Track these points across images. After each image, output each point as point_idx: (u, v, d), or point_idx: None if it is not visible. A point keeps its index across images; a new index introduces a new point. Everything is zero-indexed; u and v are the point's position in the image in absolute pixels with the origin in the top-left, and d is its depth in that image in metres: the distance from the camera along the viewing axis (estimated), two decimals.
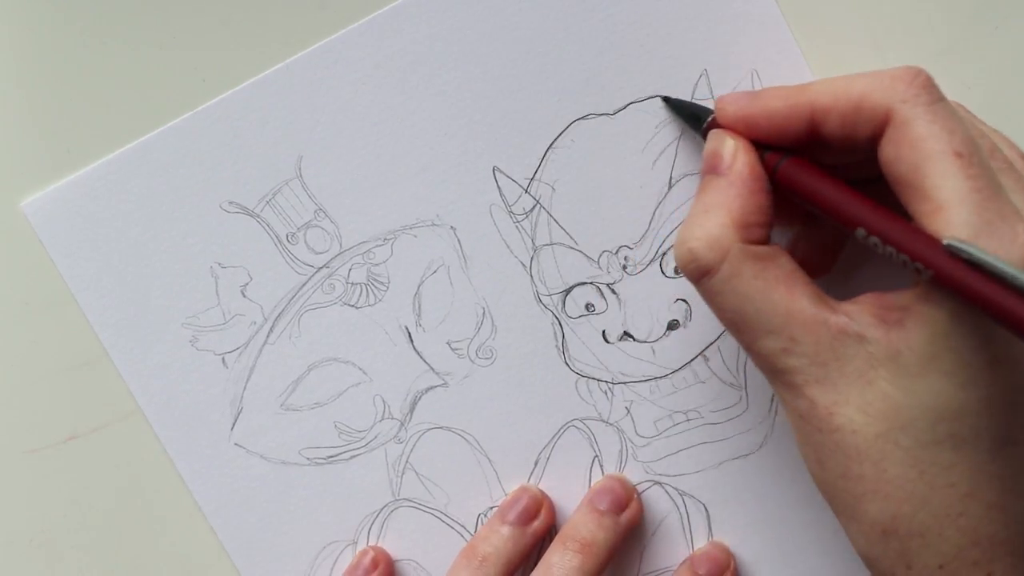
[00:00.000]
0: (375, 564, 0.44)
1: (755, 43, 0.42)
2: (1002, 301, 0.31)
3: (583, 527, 0.42)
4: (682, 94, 0.43)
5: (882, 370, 0.33)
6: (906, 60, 0.41)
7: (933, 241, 0.32)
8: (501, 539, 0.42)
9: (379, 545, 0.44)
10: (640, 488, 0.44)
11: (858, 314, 0.34)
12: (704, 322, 0.43)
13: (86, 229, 0.44)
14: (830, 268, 0.42)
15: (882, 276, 0.39)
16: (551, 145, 0.43)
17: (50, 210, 0.43)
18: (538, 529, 0.43)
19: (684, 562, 0.44)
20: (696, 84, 0.42)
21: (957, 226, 0.32)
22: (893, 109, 0.34)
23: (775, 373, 0.35)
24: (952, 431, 0.33)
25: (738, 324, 0.35)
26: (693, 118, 0.41)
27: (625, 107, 0.43)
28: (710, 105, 0.41)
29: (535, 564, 0.43)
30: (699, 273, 0.36)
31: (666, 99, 0.42)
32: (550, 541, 0.43)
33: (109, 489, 0.45)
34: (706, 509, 0.44)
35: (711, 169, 0.37)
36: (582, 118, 0.43)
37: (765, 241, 0.36)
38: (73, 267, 0.44)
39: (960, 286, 0.31)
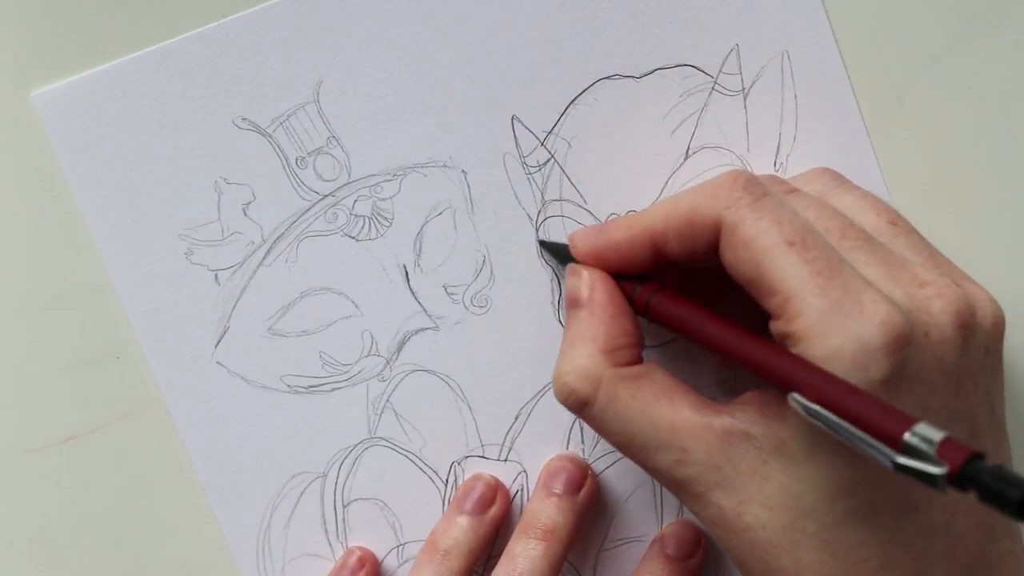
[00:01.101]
0: (361, 564, 0.44)
1: (790, 24, 0.42)
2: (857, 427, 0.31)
3: (542, 513, 0.42)
4: (711, 66, 0.43)
5: (773, 463, 0.34)
6: (906, 60, 0.42)
7: (785, 375, 0.32)
8: (460, 530, 0.42)
9: (364, 546, 0.44)
10: (617, 455, 0.44)
11: (741, 412, 0.35)
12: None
13: (95, 127, 0.43)
14: None
15: None
16: (573, 101, 0.43)
17: (61, 104, 0.43)
18: (495, 516, 0.43)
19: (654, 541, 0.44)
20: (726, 58, 0.42)
21: (804, 312, 0.32)
22: (720, 217, 0.35)
23: (677, 486, 0.36)
24: (851, 507, 0.34)
25: (628, 446, 0.36)
26: (563, 257, 0.41)
27: (652, 72, 0.43)
28: None
29: (495, 552, 0.43)
30: (579, 405, 0.36)
31: (541, 242, 0.43)
32: (509, 528, 0.43)
33: (109, 489, 0.44)
34: None
35: (572, 304, 0.38)
36: (607, 77, 0.43)
37: (637, 360, 0.37)
38: (76, 164, 0.43)
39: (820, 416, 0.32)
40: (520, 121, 0.43)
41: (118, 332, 0.44)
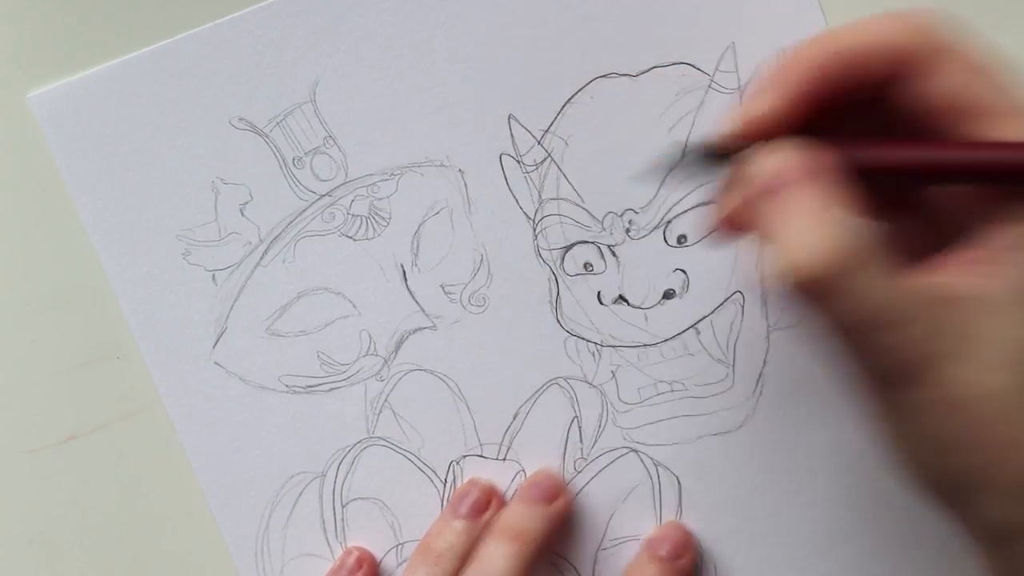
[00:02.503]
0: (359, 564, 0.44)
1: (786, 21, 0.42)
2: None
3: (512, 518, 0.42)
4: (708, 64, 0.42)
5: (1007, 318, 0.32)
6: None
7: None
8: (454, 533, 0.42)
9: (363, 546, 0.44)
10: (616, 454, 0.44)
11: (959, 275, 0.33)
12: (700, 295, 0.43)
13: (91, 128, 0.43)
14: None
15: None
16: (569, 100, 0.43)
17: (57, 105, 0.43)
18: (489, 521, 0.43)
19: (644, 543, 0.44)
20: (722, 56, 0.42)
21: None
22: (935, 43, 0.33)
23: (915, 364, 0.32)
24: None
25: (874, 322, 0.32)
26: (710, 154, 0.34)
27: (649, 70, 0.43)
28: None
29: None
30: (828, 281, 0.31)
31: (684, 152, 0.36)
32: None
33: (109, 489, 0.45)
34: (679, 482, 0.44)
35: (769, 190, 0.33)
36: (604, 76, 0.43)
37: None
38: (73, 165, 0.43)
39: None
40: (517, 120, 0.43)
41: (118, 332, 0.44)
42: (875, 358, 0.32)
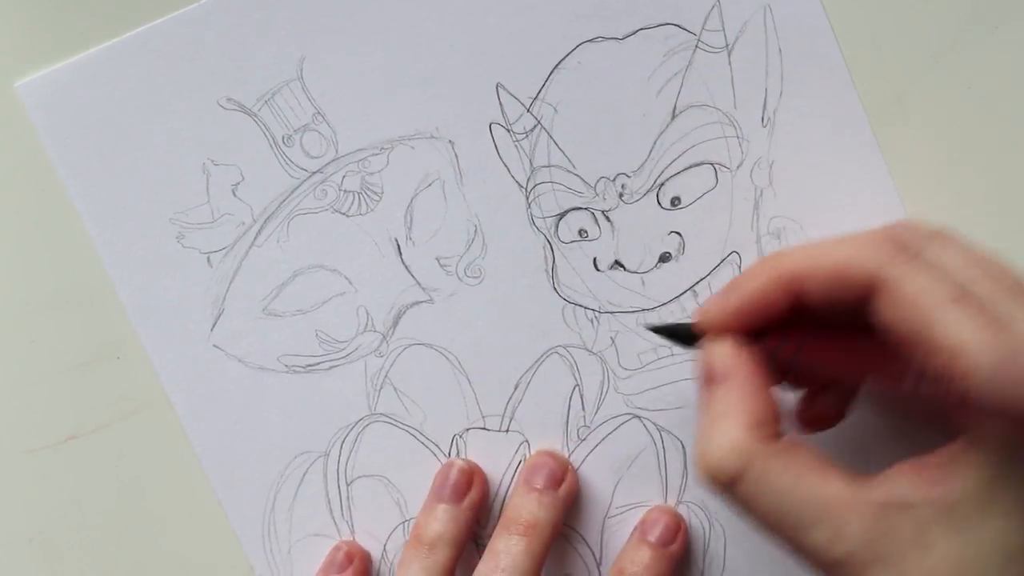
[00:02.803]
0: (349, 559, 0.44)
1: None
2: None
3: (523, 509, 0.42)
4: (694, 24, 0.42)
5: (937, 529, 0.32)
6: (906, 60, 0.42)
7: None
8: (441, 521, 0.42)
9: (353, 540, 0.44)
10: (619, 421, 0.44)
11: (897, 481, 0.33)
12: (696, 257, 0.43)
13: (80, 115, 0.43)
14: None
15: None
16: (557, 65, 0.42)
17: (45, 93, 0.43)
18: (474, 499, 0.43)
19: (635, 528, 0.44)
20: (708, 15, 0.42)
21: (980, 368, 0.31)
22: (879, 275, 0.34)
23: (832, 566, 0.34)
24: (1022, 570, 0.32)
25: (779, 524, 0.34)
26: (682, 338, 0.39)
27: (635, 32, 0.42)
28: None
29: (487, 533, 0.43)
30: (728, 482, 0.34)
31: (654, 328, 0.40)
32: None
33: (109, 489, 0.45)
34: (683, 447, 0.44)
35: (710, 379, 0.37)
36: (590, 40, 0.42)
37: (780, 436, 0.35)
38: (63, 153, 0.43)
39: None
40: (505, 88, 0.43)
41: (118, 332, 0.44)
42: (802, 557, 0.34)
